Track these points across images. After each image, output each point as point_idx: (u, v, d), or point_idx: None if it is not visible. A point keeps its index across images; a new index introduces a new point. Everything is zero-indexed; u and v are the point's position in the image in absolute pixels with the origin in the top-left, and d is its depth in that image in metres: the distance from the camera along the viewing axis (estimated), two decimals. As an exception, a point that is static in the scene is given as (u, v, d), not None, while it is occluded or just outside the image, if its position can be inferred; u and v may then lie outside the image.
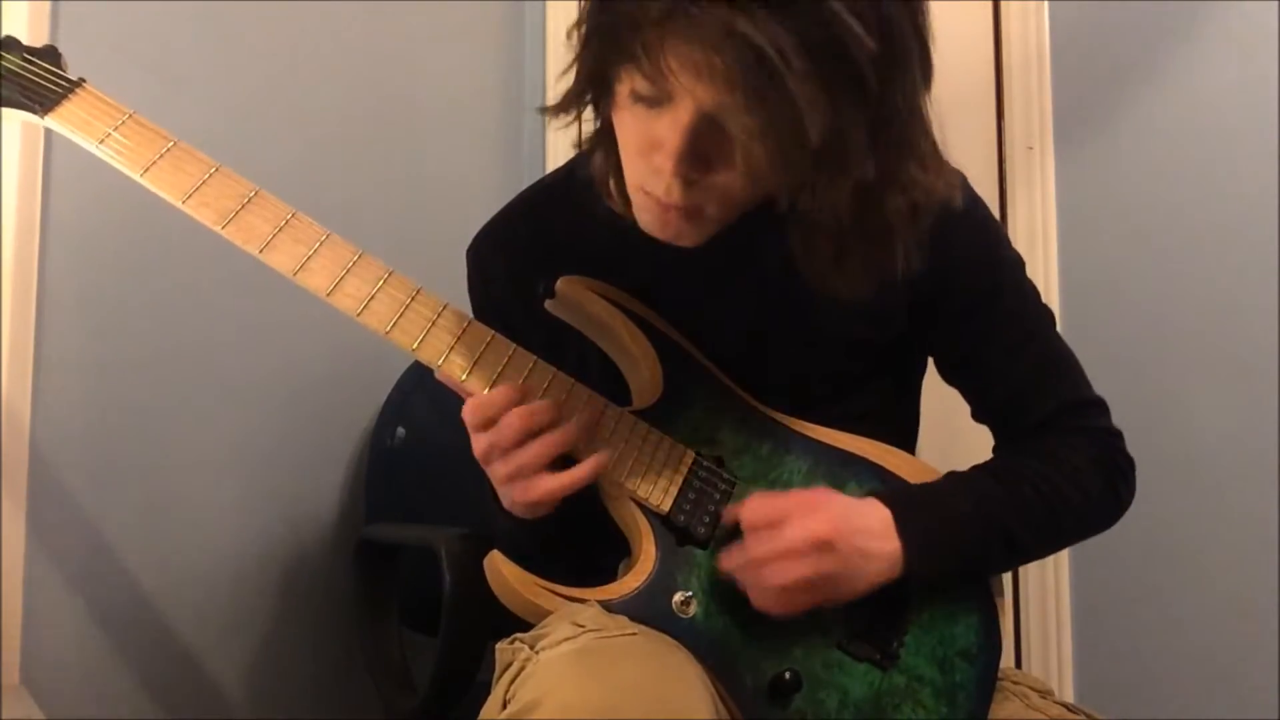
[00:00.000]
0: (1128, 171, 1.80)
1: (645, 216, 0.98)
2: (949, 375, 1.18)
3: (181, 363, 1.64)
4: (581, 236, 1.13)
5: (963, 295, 1.11)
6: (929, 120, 0.93)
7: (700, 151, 0.89)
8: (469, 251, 1.20)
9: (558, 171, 1.22)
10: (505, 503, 1.02)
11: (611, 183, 1.02)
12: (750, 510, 0.99)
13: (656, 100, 0.88)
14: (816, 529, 0.97)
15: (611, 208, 1.07)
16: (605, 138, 1.00)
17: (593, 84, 0.94)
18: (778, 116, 0.81)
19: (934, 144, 0.94)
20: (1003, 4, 1.91)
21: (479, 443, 0.99)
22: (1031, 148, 1.87)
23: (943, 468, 1.13)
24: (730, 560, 0.99)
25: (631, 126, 0.93)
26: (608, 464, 1.00)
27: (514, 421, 0.97)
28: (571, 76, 0.94)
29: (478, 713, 0.91)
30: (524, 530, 1.03)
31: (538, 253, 1.16)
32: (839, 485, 1.07)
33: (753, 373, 1.11)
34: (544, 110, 0.99)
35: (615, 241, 1.10)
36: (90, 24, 1.53)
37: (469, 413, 0.99)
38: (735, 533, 1.01)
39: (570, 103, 0.96)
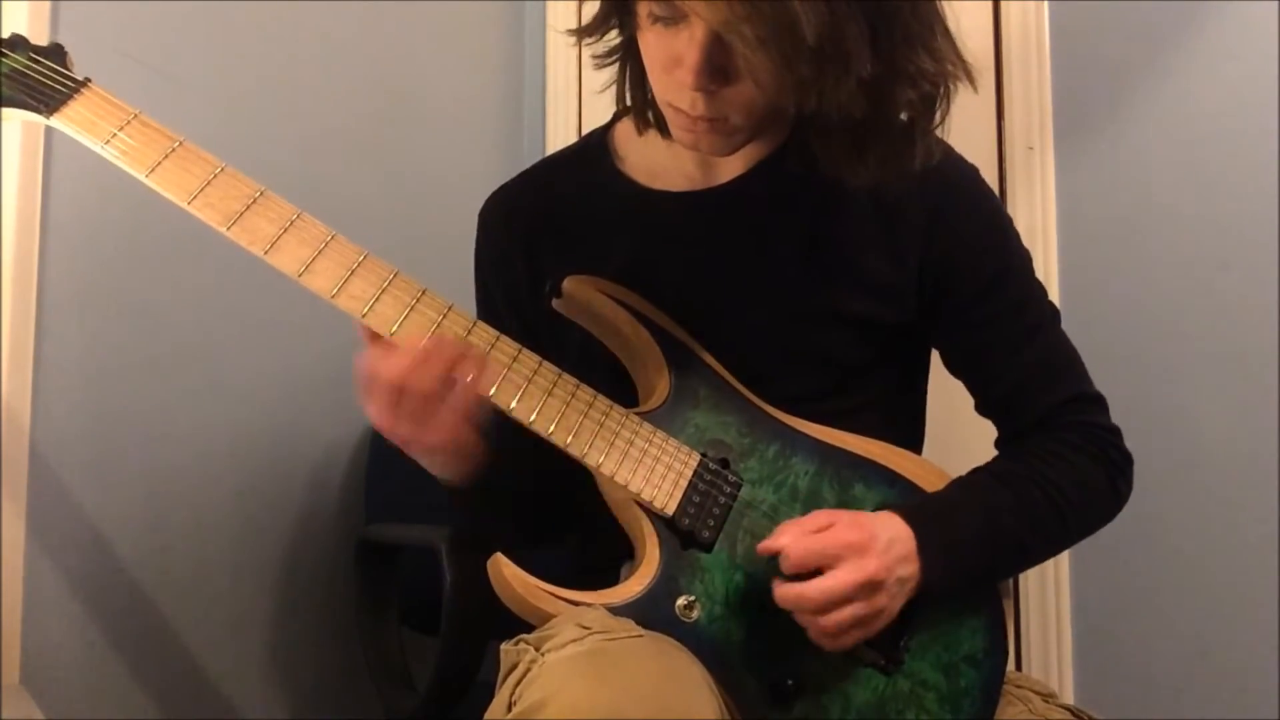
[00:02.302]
0: (1128, 171, 1.80)
1: (676, 131, 1.04)
2: (955, 367, 1.18)
3: (181, 363, 1.63)
4: (588, 204, 1.18)
5: (971, 281, 1.12)
6: (940, 11, 0.97)
7: (717, 64, 0.94)
8: (479, 215, 1.24)
9: (572, 145, 1.27)
10: (436, 473, 1.02)
11: (648, 110, 1.09)
12: (796, 549, 0.95)
13: (672, 19, 0.94)
14: (868, 571, 0.95)
15: (622, 174, 1.16)
16: (632, 63, 1.08)
17: (615, 8, 1.02)
18: (774, 24, 0.86)
19: (946, 34, 0.97)
20: (1002, 4, 1.90)
21: (381, 423, 0.98)
22: (1031, 148, 1.87)
23: (945, 466, 1.13)
24: (785, 599, 0.96)
25: (654, 45, 0.99)
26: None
27: (412, 384, 0.95)
28: (597, 4, 1.03)
29: (478, 713, 0.91)
30: (477, 503, 1.04)
31: (544, 218, 1.19)
32: (846, 487, 1.06)
33: (756, 355, 1.11)
34: (573, 31, 1.07)
35: (621, 209, 1.14)
36: (90, 24, 1.53)
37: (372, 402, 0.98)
38: (744, 538, 1.01)
39: (597, 26, 1.05)
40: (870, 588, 0.95)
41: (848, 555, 0.95)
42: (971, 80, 0.99)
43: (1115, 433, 1.15)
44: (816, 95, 0.91)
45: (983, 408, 1.18)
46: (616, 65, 1.10)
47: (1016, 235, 1.17)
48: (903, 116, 1.00)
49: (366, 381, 0.98)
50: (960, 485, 1.10)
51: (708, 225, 1.14)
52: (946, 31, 0.97)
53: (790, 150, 1.12)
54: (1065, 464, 1.09)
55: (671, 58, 0.97)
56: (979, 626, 1.06)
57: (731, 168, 1.14)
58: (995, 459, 1.14)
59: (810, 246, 1.12)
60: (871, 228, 1.12)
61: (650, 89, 1.07)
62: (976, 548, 1.04)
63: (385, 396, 0.96)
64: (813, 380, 1.12)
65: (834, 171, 1.03)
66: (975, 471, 1.12)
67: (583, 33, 1.06)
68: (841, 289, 1.11)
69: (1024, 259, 1.17)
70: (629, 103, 1.12)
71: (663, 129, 1.09)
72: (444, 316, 0.99)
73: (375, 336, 1.00)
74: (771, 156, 1.14)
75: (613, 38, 1.07)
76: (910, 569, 0.99)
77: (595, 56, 1.10)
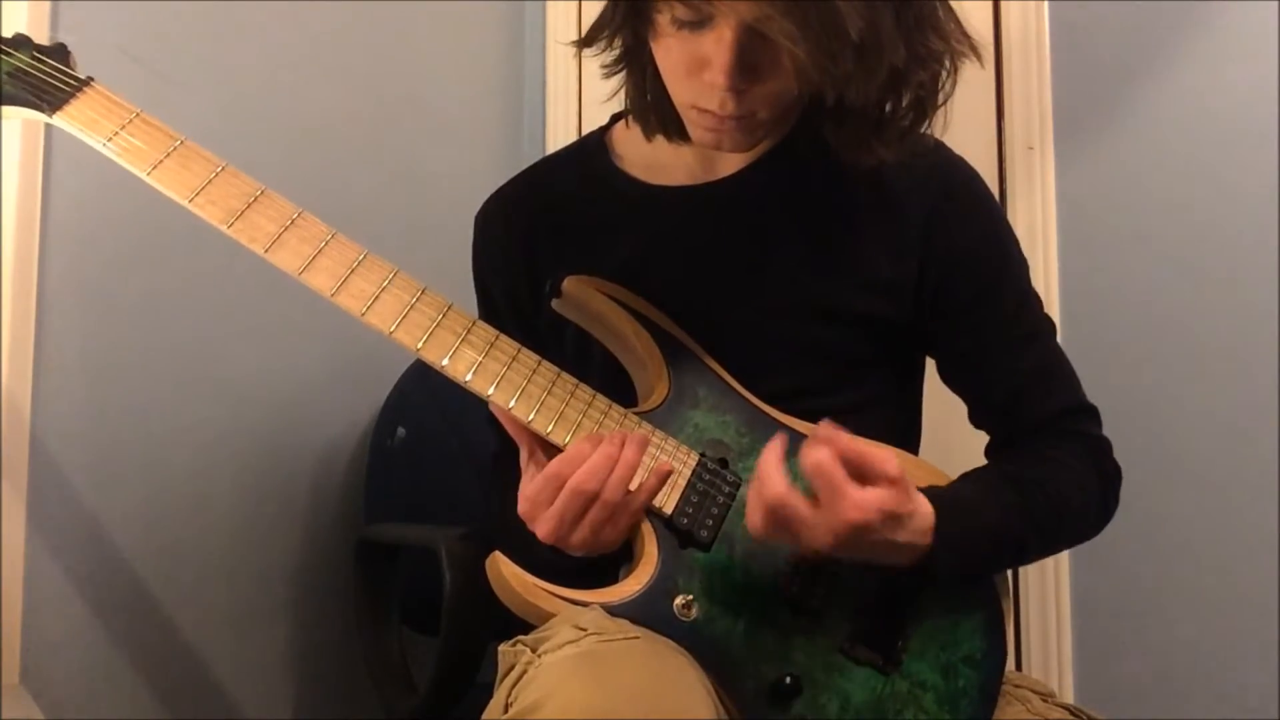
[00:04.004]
0: (1128, 171, 1.80)
1: (700, 132, 1.04)
2: (950, 374, 1.18)
3: (181, 362, 1.63)
4: (587, 202, 1.18)
5: (967, 284, 1.12)
6: None
7: (747, 63, 0.95)
8: (476, 216, 1.24)
9: (569, 145, 1.26)
10: (571, 551, 1.00)
11: (652, 114, 1.09)
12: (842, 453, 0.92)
13: (698, 23, 0.94)
14: (903, 505, 0.93)
15: (621, 170, 1.16)
16: (639, 69, 1.07)
17: (630, 16, 1.01)
18: (815, 17, 0.87)
19: (950, 12, 0.99)
20: (1003, 4, 1.90)
21: (545, 524, 0.97)
22: (1031, 148, 1.87)
23: (944, 467, 1.12)
24: (815, 467, 0.90)
25: (677, 50, 0.98)
26: (670, 470, 1.00)
27: (579, 493, 0.96)
28: (607, 12, 1.03)
29: (478, 713, 0.91)
30: (570, 559, 1.02)
31: (543, 217, 1.19)
32: (844, 487, 1.06)
33: (754, 349, 1.11)
34: (575, 43, 1.06)
35: (621, 206, 1.15)
36: (90, 23, 1.53)
37: (526, 505, 0.98)
38: (743, 538, 1.01)
39: (604, 36, 1.04)
40: (893, 520, 0.93)
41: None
42: (979, 56, 1.01)
43: (1107, 444, 1.15)
44: (855, 87, 0.93)
45: (976, 415, 1.18)
46: (622, 73, 1.09)
47: (1016, 243, 1.17)
48: (913, 95, 1.01)
49: (543, 490, 0.97)
50: (973, 481, 1.09)
51: (709, 219, 1.14)
52: (950, 9, 0.99)
53: (799, 139, 1.12)
54: (1065, 470, 1.09)
55: (697, 61, 0.97)
56: (977, 627, 1.06)
57: (733, 161, 1.14)
58: (996, 461, 1.15)
59: (811, 241, 1.12)
60: (873, 224, 1.12)
61: (652, 93, 1.07)
62: (985, 542, 1.04)
63: (573, 507, 0.96)
64: (811, 376, 1.12)
65: (848, 156, 1.04)
66: (982, 470, 1.12)
67: (585, 43, 1.06)
68: (842, 284, 1.11)
69: (1022, 267, 1.17)
70: (634, 109, 1.11)
71: (671, 133, 1.09)
72: (444, 314, 0.99)
73: (540, 443, 1.00)
74: (774, 150, 1.14)
75: (618, 46, 1.06)
76: (912, 539, 0.96)
77: (603, 66, 1.09)
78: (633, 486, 0.97)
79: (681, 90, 1.02)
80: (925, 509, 0.98)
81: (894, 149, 1.03)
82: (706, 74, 0.96)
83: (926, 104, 1.01)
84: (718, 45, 0.94)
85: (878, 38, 0.90)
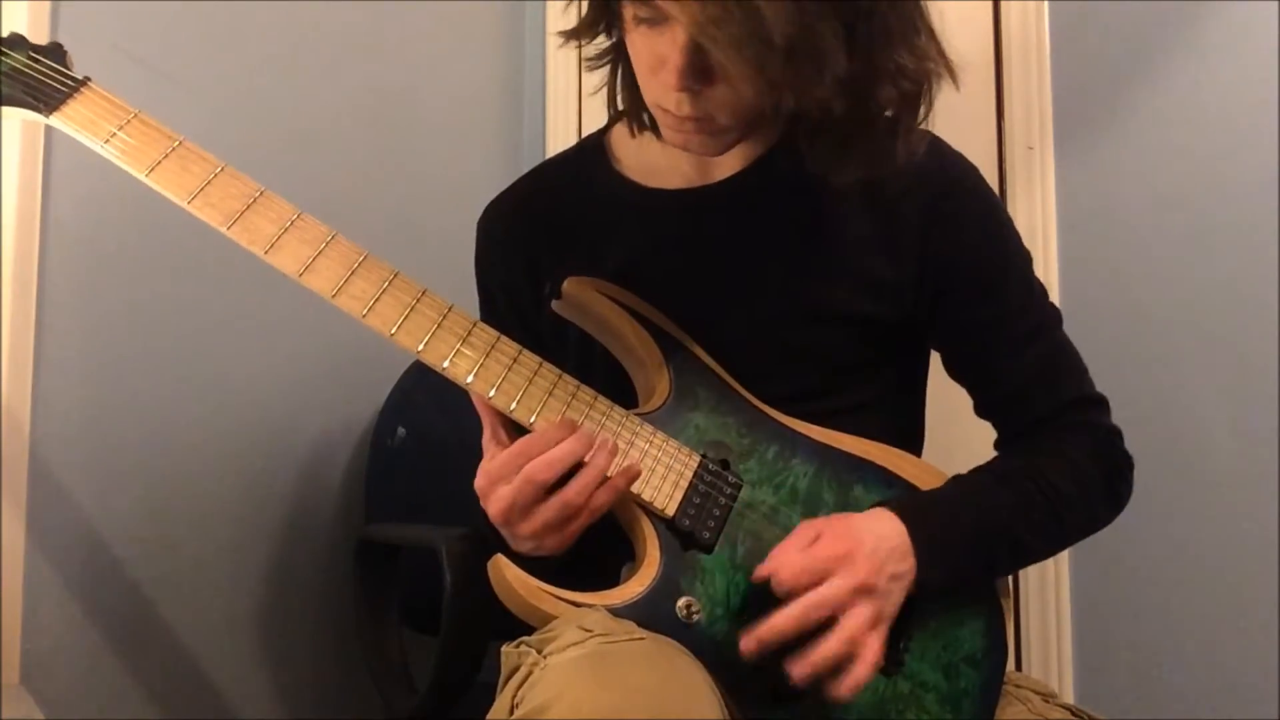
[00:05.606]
0: (1128, 171, 1.80)
1: (667, 133, 1.04)
2: (955, 369, 1.18)
3: (181, 362, 1.63)
4: (585, 205, 1.18)
5: (971, 280, 1.12)
6: (923, 9, 0.96)
7: (700, 65, 0.94)
8: (478, 223, 1.24)
9: (569, 149, 1.26)
10: (515, 548, 1.00)
11: (644, 111, 1.08)
12: (786, 570, 0.96)
13: (655, 20, 0.94)
14: (859, 577, 0.95)
15: (618, 173, 1.16)
16: (624, 65, 1.07)
17: (603, 11, 1.02)
18: (743, 25, 0.86)
19: (930, 31, 0.97)
20: (1003, 4, 1.90)
21: (497, 503, 0.97)
22: (1031, 148, 1.87)
23: (945, 467, 1.12)
24: (788, 620, 0.95)
25: (640, 47, 0.99)
26: (637, 474, 0.99)
27: (531, 482, 0.95)
28: (583, 7, 1.04)
29: (478, 713, 0.91)
30: (535, 560, 1.01)
31: (543, 222, 1.19)
32: (845, 489, 1.06)
33: (753, 353, 1.11)
34: (563, 34, 1.07)
35: (618, 209, 1.15)
36: (90, 23, 1.53)
37: (484, 479, 0.98)
38: (745, 539, 1.01)
39: (586, 29, 1.05)
40: (864, 591, 0.95)
41: (837, 567, 0.95)
42: (954, 77, 0.98)
43: (1116, 434, 1.15)
44: (792, 95, 0.91)
45: (982, 410, 1.18)
46: (608, 68, 1.10)
47: (1017, 235, 1.17)
48: (887, 113, 0.99)
49: (505, 468, 0.97)
50: (956, 482, 1.10)
51: (704, 222, 1.14)
52: (930, 29, 0.97)
53: (778, 149, 1.12)
54: (1064, 463, 1.09)
55: (656, 59, 0.97)
56: (979, 627, 1.06)
57: (728, 165, 1.14)
58: (994, 459, 1.14)
59: (807, 243, 1.12)
60: (869, 225, 1.11)
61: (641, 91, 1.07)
62: (971, 544, 1.04)
63: (525, 493, 0.96)
64: (810, 379, 1.12)
65: (820, 169, 1.03)
66: (973, 471, 1.11)
67: (572, 35, 1.06)
68: (838, 286, 1.11)
69: (1024, 259, 1.16)
70: (620, 105, 1.11)
71: (656, 130, 1.09)
72: (444, 317, 0.99)
73: (505, 422, 1.00)
74: (770, 153, 1.14)
75: (603, 40, 1.07)
76: (904, 565, 0.99)
77: (587, 59, 1.10)
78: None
79: (647, 89, 1.02)
80: (889, 529, 1.00)
81: (865, 167, 1.02)
82: (663, 73, 0.96)
83: (900, 122, 1.00)
84: (672, 45, 0.94)
85: (812, 45, 0.88)
